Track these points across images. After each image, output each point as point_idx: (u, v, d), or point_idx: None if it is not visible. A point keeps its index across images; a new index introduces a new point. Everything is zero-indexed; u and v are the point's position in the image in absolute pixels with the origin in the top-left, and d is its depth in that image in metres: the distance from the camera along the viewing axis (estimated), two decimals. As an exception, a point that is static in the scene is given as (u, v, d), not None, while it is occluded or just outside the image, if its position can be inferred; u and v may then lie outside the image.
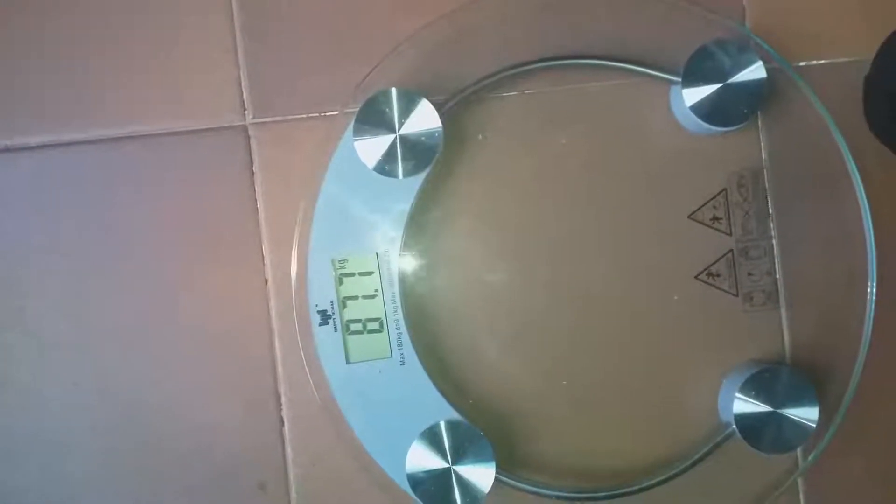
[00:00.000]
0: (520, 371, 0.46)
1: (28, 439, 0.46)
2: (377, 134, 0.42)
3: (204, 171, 0.45)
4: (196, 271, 0.45)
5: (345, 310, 0.43)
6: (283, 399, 0.46)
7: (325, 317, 0.43)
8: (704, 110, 0.43)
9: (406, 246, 0.44)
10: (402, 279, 0.44)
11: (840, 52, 0.46)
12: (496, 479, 0.42)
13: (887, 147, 0.46)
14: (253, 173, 0.45)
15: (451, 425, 0.42)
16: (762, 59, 0.42)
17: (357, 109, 0.42)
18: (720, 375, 0.45)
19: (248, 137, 0.45)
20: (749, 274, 0.45)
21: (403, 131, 0.41)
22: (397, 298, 0.43)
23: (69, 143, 0.45)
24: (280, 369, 0.45)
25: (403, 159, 0.42)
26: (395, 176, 0.42)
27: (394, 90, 0.41)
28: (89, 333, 0.45)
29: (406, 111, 0.42)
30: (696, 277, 0.45)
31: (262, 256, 0.45)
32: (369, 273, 0.43)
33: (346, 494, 0.45)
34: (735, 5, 0.46)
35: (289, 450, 0.45)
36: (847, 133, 0.45)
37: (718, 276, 0.45)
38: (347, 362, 0.44)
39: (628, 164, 0.46)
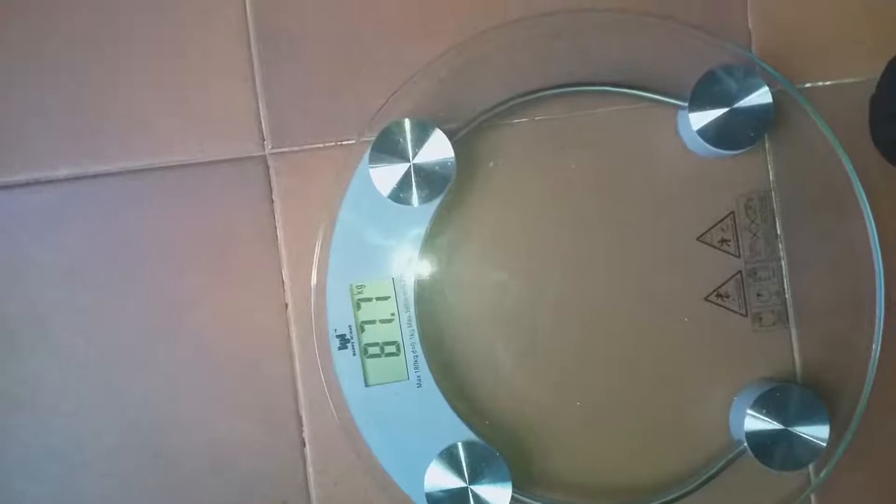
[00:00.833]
0: (534, 391, 0.46)
1: (47, 455, 0.47)
2: (392, 163, 0.43)
3: (225, 201, 0.46)
4: (218, 296, 0.47)
5: (363, 334, 0.44)
6: (304, 420, 0.47)
7: (343, 341, 0.44)
8: (711, 134, 0.44)
9: (421, 271, 0.45)
10: (418, 303, 0.45)
11: (846, 73, 0.47)
12: (512, 497, 0.43)
13: (892, 164, 0.46)
14: (272, 201, 0.46)
15: (468, 446, 0.43)
16: (768, 83, 0.43)
17: (372, 139, 0.43)
18: (731, 394, 0.46)
19: (268, 167, 0.46)
20: (758, 295, 0.46)
21: (417, 160, 0.42)
22: (413, 322, 0.44)
23: (94, 175, 0.46)
24: (301, 391, 0.47)
25: (417, 187, 0.43)
26: (410, 203, 0.43)
27: (407, 121, 0.42)
28: (113, 356, 0.47)
29: (420, 141, 0.43)
30: (705, 299, 0.46)
31: (283, 282, 0.46)
32: (386, 298, 0.44)
33: None
34: (741, 30, 0.47)
35: (310, 469, 0.46)
36: (854, 153, 0.45)
37: (728, 297, 0.46)
38: (366, 385, 0.45)
39: (637, 188, 0.47)
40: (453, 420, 0.44)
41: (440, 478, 0.43)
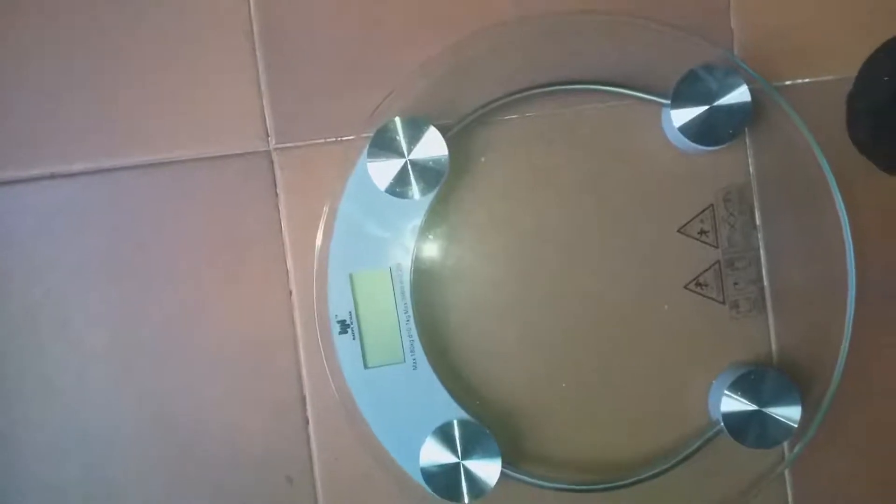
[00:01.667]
0: (523, 374, 0.48)
1: (72, 441, 0.49)
2: (389, 158, 0.44)
3: (231, 194, 0.48)
4: (225, 286, 0.48)
5: (362, 319, 0.46)
6: (307, 401, 0.49)
7: (344, 326, 0.46)
8: (692, 131, 0.45)
9: (417, 260, 0.47)
10: (414, 291, 0.47)
11: (825, 70, 0.49)
12: (502, 472, 0.45)
13: (869, 159, 0.48)
14: (277, 195, 0.48)
15: (461, 424, 0.45)
16: (747, 82, 0.45)
17: (371, 135, 0.45)
18: (710, 377, 0.48)
19: (272, 162, 0.48)
20: (735, 283, 0.48)
21: (413, 156, 0.44)
22: (409, 308, 0.46)
23: (108, 170, 0.48)
24: (304, 374, 0.49)
25: (413, 181, 0.45)
26: (406, 197, 0.45)
27: (402, 119, 0.44)
28: (127, 344, 0.49)
29: (415, 138, 0.44)
30: (685, 287, 0.48)
31: (287, 271, 0.48)
32: (383, 286, 0.46)
33: (365, 486, 0.49)
34: (724, 30, 0.48)
35: (314, 447, 0.49)
36: (831, 148, 0.47)
37: (706, 285, 0.48)
38: (365, 367, 0.47)
39: (622, 182, 0.48)
40: (447, 400, 0.46)
41: (434, 454, 0.45)
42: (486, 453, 0.45)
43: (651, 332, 0.48)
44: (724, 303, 0.48)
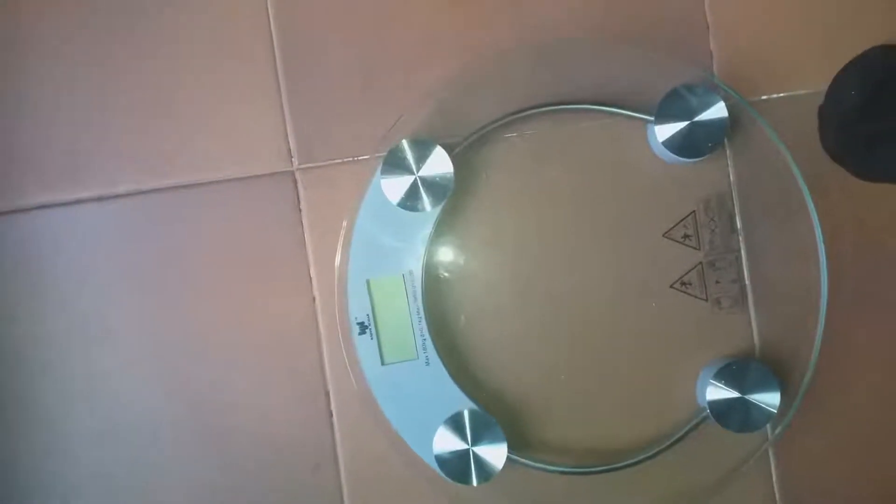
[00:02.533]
0: (525, 368, 0.52)
1: (118, 432, 0.53)
2: (400, 175, 0.49)
3: (259, 211, 0.52)
4: (255, 293, 0.52)
5: (378, 321, 0.50)
6: (331, 395, 0.53)
7: (363, 327, 0.50)
8: (675, 145, 0.49)
9: (427, 267, 0.50)
10: (425, 294, 0.50)
11: (798, 86, 0.52)
12: (507, 457, 0.49)
13: (840, 166, 0.52)
14: (300, 210, 0.52)
15: (470, 414, 0.49)
16: (725, 99, 0.48)
17: (384, 155, 0.49)
18: (697, 368, 0.52)
19: (295, 181, 0.52)
20: (717, 282, 0.51)
21: (422, 173, 0.48)
22: (421, 310, 0.50)
23: (148, 191, 0.52)
24: (328, 370, 0.53)
25: (422, 196, 0.49)
26: (416, 210, 0.49)
27: (412, 140, 0.48)
28: (167, 345, 0.52)
29: (423, 156, 0.48)
30: (671, 286, 0.52)
31: (310, 279, 0.52)
32: (398, 290, 0.50)
33: (385, 471, 0.52)
34: (704, 51, 0.52)
35: (337, 436, 0.53)
36: (804, 157, 0.51)
37: (690, 284, 0.52)
38: (382, 364, 0.50)
39: (612, 191, 0.52)
40: (456, 392, 0.50)
41: (446, 441, 0.49)
42: (493, 440, 0.49)
43: (641, 328, 0.52)
44: (707, 300, 0.52)
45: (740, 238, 0.52)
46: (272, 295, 0.53)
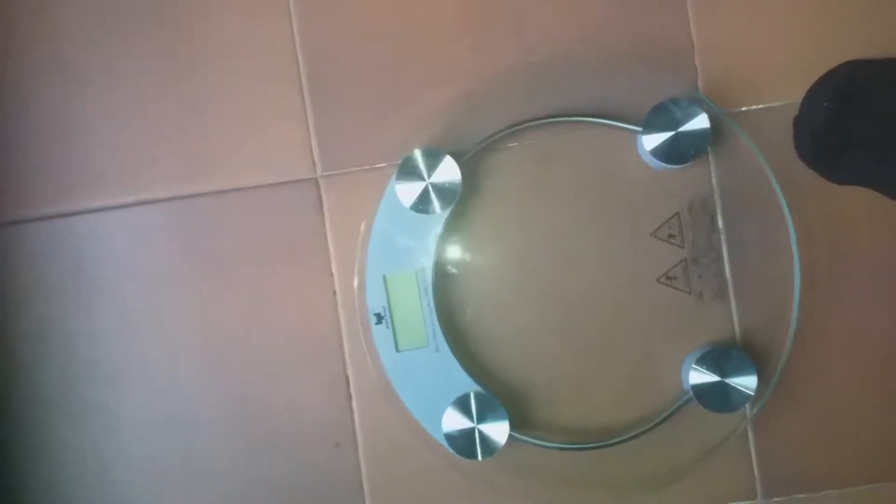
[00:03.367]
0: (526, 354, 0.56)
1: (164, 420, 0.57)
2: (413, 182, 0.53)
3: (286, 214, 0.57)
4: (283, 289, 0.57)
5: (394, 312, 0.55)
6: (350, 380, 0.57)
7: (379, 318, 0.55)
8: (661, 153, 0.53)
9: (437, 264, 0.55)
10: (435, 288, 0.55)
11: (775, 98, 0.56)
12: (510, 435, 0.53)
13: (813, 171, 0.56)
14: (323, 214, 0.57)
15: (475, 395, 0.53)
16: (707, 111, 0.52)
17: (398, 163, 0.53)
18: (682, 354, 0.56)
19: (319, 187, 0.57)
20: (699, 277, 0.56)
21: (432, 180, 0.53)
22: (431, 303, 0.54)
23: (187, 196, 0.57)
24: (347, 357, 0.57)
25: (433, 200, 0.53)
26: (428, 213, 0.53)
27: (423, 150, 0.53)
28: (207, 338, 0.57)
29: (434, 165, 0.53)
30: (657, 281, 0.56)
31: (332, 275, 0.57)
32: (411, 285, 0.54)
33: (400, 449, 0.56)
34: (689, 67, 0.56)
35: (356, 417, 0.57)
36: (782, 161, 0.55)
37: (675, 279, 0.56)
38: (397, 351, 0.55)
39: (604, 195, 0.56)
40: (463, 376, 0.54)
41: (454, 420, 0.53)
42: (497, 419, 0.53)
43: (631, 318, 0.56)
44: (690, 293, 0.56)
45: (721, 237, 0.56)
46: (298, 289, 0.57)
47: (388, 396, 0.55)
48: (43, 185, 0.58)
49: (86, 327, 0.58)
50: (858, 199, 0.56)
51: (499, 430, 0.53)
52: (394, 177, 0.54)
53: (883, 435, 0.57)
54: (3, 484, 0.58)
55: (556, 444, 0.55)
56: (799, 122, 0.56)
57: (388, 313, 0.55)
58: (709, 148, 0.55)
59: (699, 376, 0.54)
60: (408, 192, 0.53)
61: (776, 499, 0.57)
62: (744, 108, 0.57)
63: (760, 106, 0.57)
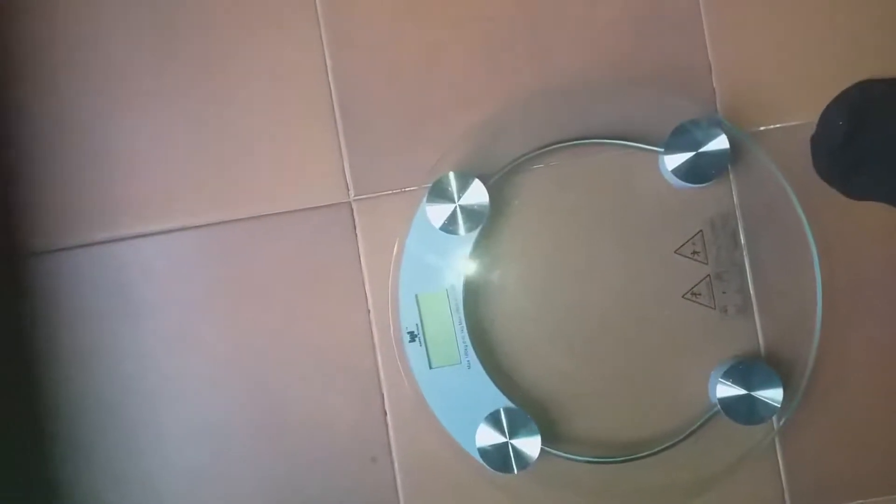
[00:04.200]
0: (555, 370, 0.57)
1: (203, 431, 0.59)
2: (443, 204, 0.55)
3: (321, 237, 0.58)
4: (319, 308, 0.58)
5: (426, 330, 0.56)
6: (385, 396, 0.58)
7: (412, 336, 0.56)
8: (683, 173, 0.55)
9: (467, 283, 0.56)
10: (466, 306, 0.56)
11: (792, 117, 0.58)
12: (541, 449, 0.54)
13: (831, 186, 0.57)
14: (356, 236, 0.58)
15: (507, 411, 0.54)
16: (726, 132, 0.54)
17: (428, 186, 0.55)
18: (709, 368, 0.57)
19: (352, 210, 0.58)
20: (723, 292, 0.57)
21: (461, 202, 0.55)
22: (462, 321, 0.56)
23: (225, 222, 0.59)
24: (382, 374, 0.58)
25: (462, 222, 0.55)
26: (457, 234, 0.55)
27: (453, 173, 0.54)
28: (244, 356, 0.59)
29: (463, 187, 0.55)
30: (682, 297, 0.57)
31: (366, 295, 0.58)
32: (442, 303, 0.56)
33: (435, 463, 0.57)
34: (707, 89, 0.58)
35: (391, 432, 0.58)
36: (799, 178, 0.56)
37: (700, 294, 0.57)
38: (430, 368, 0.56)
39: (628, 214, 0.57)
40: (495, 392, 0.55)
41: (487, 435, 0.54)
42: (528, 433, 0.54)
43: (657, 333, 0.57)
44: (715, 308, 0.57)
45: (744, 252, 0.57)
46: (333, 309, 0.59)
47: (422, 412, 0.57)
48: (88, 214, 0.60)
49: (129, 347, 0.60)
50: (877, 214, 0.58)
51: (531, 445, 0.55)
52: (424, 199, 0.55)
53: (908, 445, 0.58)
54: (52, 497, 0.59)
55: (586, 458, 0.56)
56: (815, 140, 0.58)
57: (420, 331, 0.56)
58: (729, 167, 0.57)
59: (726, 389, 0.55)
60: (438, 213, 0.55)
61: (805, 509, 0.58)
62: (762, 128, 0.58)
63: (778, 125, 0.58)
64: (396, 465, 0.59)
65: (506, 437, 0.55)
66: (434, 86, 0.59)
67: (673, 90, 0.58)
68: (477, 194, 0.55)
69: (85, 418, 0.60)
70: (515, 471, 0.54)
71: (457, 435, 0.56)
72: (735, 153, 0.56)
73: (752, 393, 0.55)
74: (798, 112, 0.58)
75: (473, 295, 0.58)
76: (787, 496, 0.58)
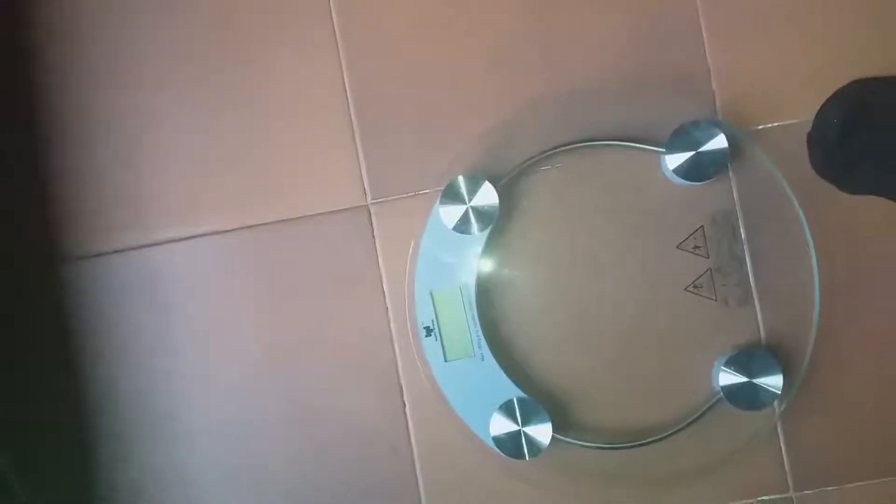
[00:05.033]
0: (565, 361, 0.60)
1: (230, 424, 0.62)
2: (455, 205, 0.57)
3: (341, 238, 0.61)
4: (339, 305, 0.61)
5: (441, 325, 0.59)
6: (404, 388, 0.61)
7: (428, 331, 0.59)
8: (683, 171, 0.57)
9: (479, 280, 0.59)
10: (478, 302, 0.59)
11: (789, 116, 0.60)
12: (552, 436, 0.57)
13: (826, 181, 0.60)
14: (374, 237, 0.61)
15: (519, 401, 0.57)
16: (725, 131, 0.56)
17: (441, 189, 0.57)
18: (712, 357, 0.59)
19: (370, 213, 0.61)
20: (724, 285, 0.59)
21: (473, 203, 0.57)
22: (475, 316, 0.58)
23: (251, 227, 0.62)
24: (400, 367, 0.61)
25: (473, 222, 0.57)
26: (469, 233, 0.58)
27: (464, 176, 0.57)
28: (270, 352, 0.62)
29: (474, 190, 0.57)
30: (685, 289, 0.60)
31: (384, 292, 0.61)
32: (456, 300, 0.59)
33: (452, 451, 0.60)
34: (706, 91, 0.60)
35: (410, 423, 0.61)
36: (796, 174, 0.59)
37: (701, 287, 0.59)
38: (445, 360, 0.59)
39: (632, 212, 0.60)
40: (507, 383, 0.58)
41: (501, 424, 0.57)
42: (540, 422, 0.57)
43: (662, 325, 0.60)
44: (716, 300, 0.59)
45: (744, 247, 0.60)
46: (353, 307, 0.62)
47: (439, 403, 0.60)
48: (121, 222, 0.63)
49: (161, 345, 0.63)
50: (872, 208, 0.60)
51: (542, 432, 0.57)
52: (438, 201, 0.58)
53: (905, 428, 0.60)
54: (91, 487, 0.63)
55: (595, 445, 0.59)
56: (812, 138, 0.60)
57: (436, 326, 0.59)
58: (729, 164, 0.59)
59: (728, 377, 0.57)
60: (451, 215, 0.58)
61: (807, 491, 0.60)
62: (760, 127, 0.60)
63: (775, 124, 0.60)
64: (416, 453, 0.62)
65: (518, 425, 0.57)
66: (446, 93, 0.62)
67: (674, 92, 0.60)
68: (487, 196, 0.58)
69: (122, 413, 0.63)
70: (527, 457, 0.57)
71: (472, 424, 0.59)
72: (734, 151, 0.58)
73: (753, 380, 0.57)
74: (795, 111, 0.60)
75: (485, 291, 0.60)
76: (789, 479, 0.60)
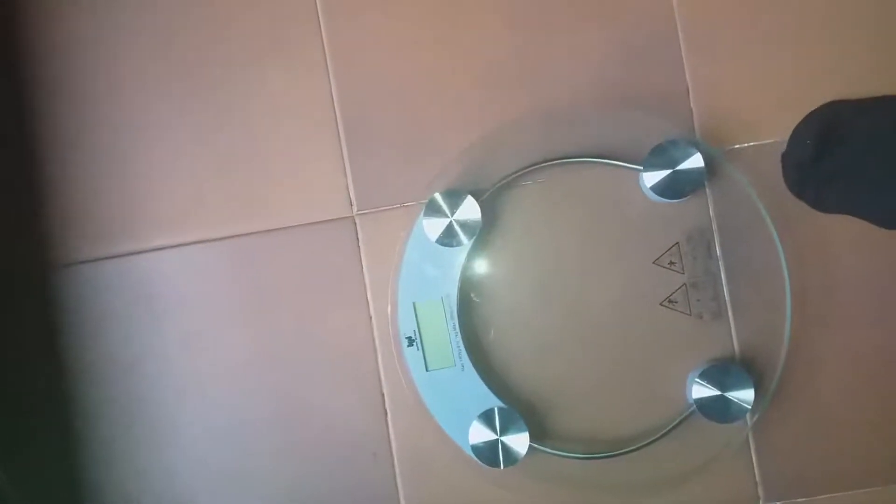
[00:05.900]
0: (543, 372, 0.61)
1: (219, 427, 0.63)
2: (438, 218, 0.59)
3: (327, 248, 0.63)
4: (323, 315, 0.62)
5: (423, 335, 0.60)
6: (386, 396, 0.62)
7: (410, 341, 0.60)
8: (660, 189, 0.58)
9: (461, 291, 0.60)
10: (459, 313, 0.60)
11: (764, 136, 0.62)
12: (529, 446, 0.58)
13: (800, 200, 0.61)
14: (359, 248, 0.63)
15: (498, 410, 0.58)
16: (702, 150, 0.58)
17: (425, 202, 0.59)
18: (686, 371, 0.61)
19: (355, 224, 0.63)
20: (698, 300, 0.61)
21: (455, 217, 0.59)
22: (457, 326, 0.60)
23: (238, 236, 0.63)
24: (383, 376, 0.62)
25: (456, 234, 0.59)
26: (452, 246, 0.59)
27: (447, 191, 0.58)
28: (257, 358, 0.63)
29: (456, 204, 0.59)
30: (660, 304, 0.61)
31: (367, 302, 0.62)
32: (438, 310, 0.60)
33: (431, 458, 0.61)
34: (685, 110, 0.62)
35: (391, 430, 0.62)
36: (771, 193, 0.60)
37: (676, 302, 0.61)
38: (427, 370, 0.60)
39: (609, 227, 0.61)
40: (487, 393, 0.59)
41: (480, 433, 0.58)
42: (518, 431, 0.58)
43: (637, 339, 0.61)
44: (691, 315, 0.61)
45: (718, 263, 0.61)
46: (337, 316, 0.63)
47: (419, 411, 0.61)
48: (112, 229, 0.65)
49: (149, 351, 0.64)
50: (844, 226, 0.61)
51: (520, 442, 0.58)
52: (421, 214, 0.59)
53: (872, 442, 0.61)
54: (80, 490, 0.64)
55: (572, 454, 0.60)
56: (786, 158, 0.61)
57: (418, 336, 0.60)
58: (705, 183, 0.61)
59: (701, 390, 0.59)
60: (434, 227, 0.59)
61: (777, 503, 0.62)
62: (736, 146, 0.62)
63: (751, 143, 0.62)
64: (396, 460, 0.63)
65: (497, 434, 0.58)
66: (432, 109, 0.63)
67: (653, 111, 0.62)
68: (469, 210, 0.59)
69: (110, 417, 0.64)
70: (503, 466, 0.58)
71: (451, 432, 0.60)
72: (710, 169, 0.60)
73: (726, 394, 0.58)
74: (770, 131, 0.62)
75: (467, 303, 0.62)
76: (760, 489, 0.62)
